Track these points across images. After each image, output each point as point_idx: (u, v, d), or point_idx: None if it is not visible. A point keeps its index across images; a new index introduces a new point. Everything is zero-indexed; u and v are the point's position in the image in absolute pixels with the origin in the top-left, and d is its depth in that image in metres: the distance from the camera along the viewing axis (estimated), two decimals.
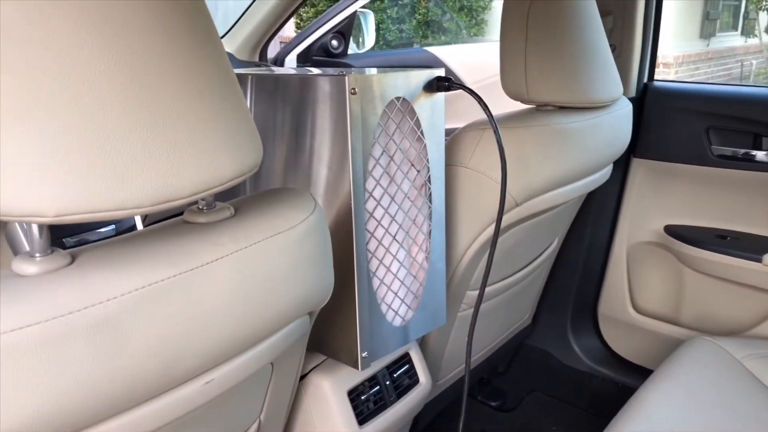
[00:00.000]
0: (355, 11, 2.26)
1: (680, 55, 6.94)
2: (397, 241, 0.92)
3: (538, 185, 1.06)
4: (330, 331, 0.92)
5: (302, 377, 0.97)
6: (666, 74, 6.71)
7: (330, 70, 0.92)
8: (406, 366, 1.08)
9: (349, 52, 2.42)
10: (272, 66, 2.23)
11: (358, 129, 0.82)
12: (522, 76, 1.08)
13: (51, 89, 0.44)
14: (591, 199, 1.57)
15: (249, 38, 2.10)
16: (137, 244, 0.55)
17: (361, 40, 2.58)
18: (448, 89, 0.92)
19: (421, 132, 0.91)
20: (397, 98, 0.87)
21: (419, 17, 8.20)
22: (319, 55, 2.28)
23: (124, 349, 0.50)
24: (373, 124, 0.84)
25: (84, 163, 0.45)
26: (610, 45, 1.48)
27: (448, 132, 1.08)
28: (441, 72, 0.92)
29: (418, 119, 0.90)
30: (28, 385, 0.45)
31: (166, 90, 0.49)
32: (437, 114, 0.93)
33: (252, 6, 2.06)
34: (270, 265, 0.60)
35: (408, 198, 0.92)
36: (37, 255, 0.49)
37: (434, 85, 0.92)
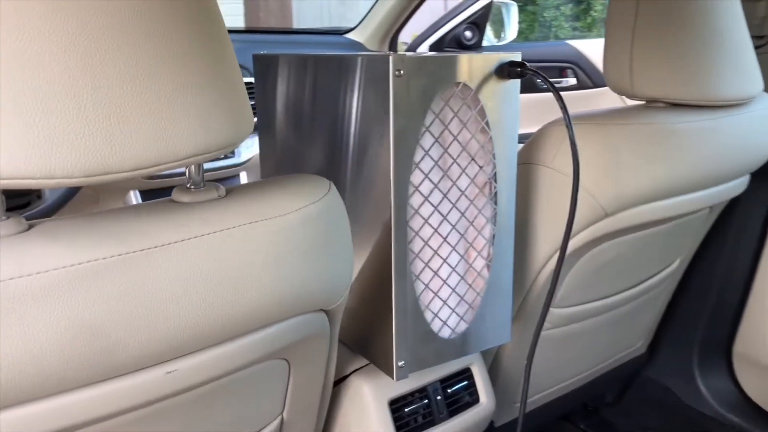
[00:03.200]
0: (491, 1, 2.15)
1: None
2: (448, 243, 0.83)
3: (634, 194, 0.90)
4: (370, 334, 0.85)
5: (343, 378, 0.91)
6: None
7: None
8: (465, 382, 0.98)
9: (486, 44, 2.31)
10: None
11: (402, 115, 0.74)
12: (627, 65, 0.93)
13: None
14: (730, 216, 1.34)
15: (378, 29, 2.08)
16: (102, 219, 0.52)
17: (502, 32, 2.46)
18: (521, 76, 0.81)
19: (486, 123, 0.81)
20: (457, 83, 0.77)
21: (595, 14, 7.77)
22: (451, 47, 2.20)
23: (56, 324, 0.47)
24: (423, 111, 0.76)
25: (11, 126, 0.42)
26: (760, 36, 1.24)
27: None
28: (515, 56, 0.81)
29: (482, 108, 0.80)
30: None
31: (120, 51, 0.45)
32: (509, 103, 0.82)
33: None
34: (246, 253, 0.55)
35: (466, 196, 0.83)
36: None
37: (505, 71, 0.81)
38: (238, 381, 0.67)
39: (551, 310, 1.06)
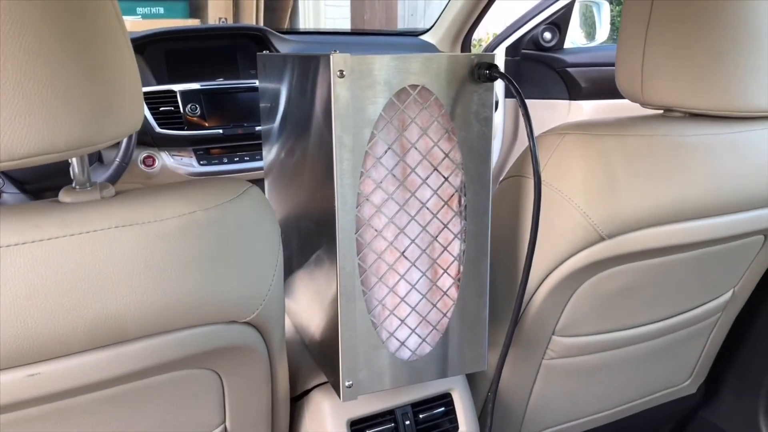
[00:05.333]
0: (573, 1, 2.01)
1: None
2: (406, 258, 0.77)
3: (632, 216, 0.79)
4: (325, 350, 0.81)
5: (306, 393, 0.88)
6: None
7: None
8: (443, 408, 0.91)
9: (571, 45, 2.17)
10: None
11: (346, 119, 0.69)
12: (638, 68, 0.81)
13: None
14: None
15: (449, 29, 2.02)
16: None
17: (593, 33, 2.31)
18: (491, 79, 0.73)
19: (452, 130, 0.74)
20: (413, 86, 0.71)
21: None
22: (528, 48, 2.09)
23: None
24: (372, 116, 0.70)
25: None
26: None
27: None
28: (487, 57, 0.74)
29: (446, 114, 0.74)
30: None
31: None
32: (481, 109, 0.75)
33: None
34: (108, 258, 0.53)
35: (428, 209, 0.76)
36: None
37: (475, 74, 0.74)
38: (154, 388, 0.65)
39: (555, 338, 0.96)
